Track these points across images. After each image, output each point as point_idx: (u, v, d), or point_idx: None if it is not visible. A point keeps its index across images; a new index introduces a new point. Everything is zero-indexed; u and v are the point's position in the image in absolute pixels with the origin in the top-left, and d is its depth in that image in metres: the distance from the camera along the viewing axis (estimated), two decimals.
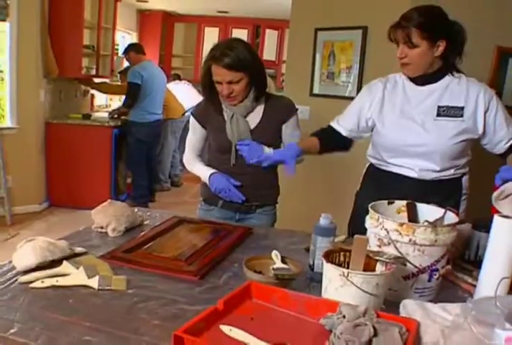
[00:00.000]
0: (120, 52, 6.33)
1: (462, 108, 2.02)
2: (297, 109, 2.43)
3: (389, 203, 1.68)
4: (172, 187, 6.93)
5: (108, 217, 1.96)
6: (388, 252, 1.41)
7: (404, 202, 1.69)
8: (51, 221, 5.30)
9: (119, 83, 6.66)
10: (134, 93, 5.63)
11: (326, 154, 2.30)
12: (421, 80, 2.07)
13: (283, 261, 1.57)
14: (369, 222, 1.52)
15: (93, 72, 6.35)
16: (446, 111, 2.02)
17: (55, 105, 5.83)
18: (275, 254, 1.59)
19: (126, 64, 5.93)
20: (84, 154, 5.60)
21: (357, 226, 2.12)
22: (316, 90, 4.31)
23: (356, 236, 1.41)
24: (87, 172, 5.63)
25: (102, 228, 1.97)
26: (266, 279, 1.44)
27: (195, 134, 2.44)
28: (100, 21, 6.24)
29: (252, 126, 2.32)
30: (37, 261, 1.52)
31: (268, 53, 8.57)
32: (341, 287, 1.29)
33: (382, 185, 2.19)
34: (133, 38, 8.51)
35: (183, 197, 6.52)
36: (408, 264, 1.43)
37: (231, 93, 2.20)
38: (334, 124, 2.29)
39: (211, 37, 8.36)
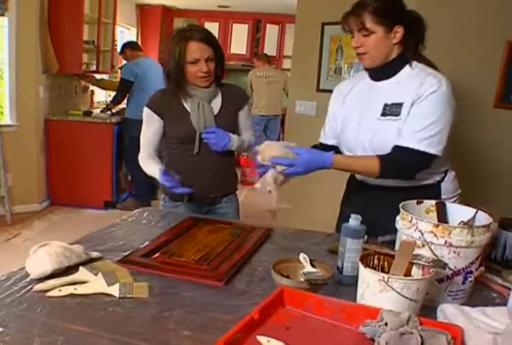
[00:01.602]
0: (119, 48, 6.25)
1: (401, 105, 1.83)
2: (249, 98, 2.51)
3: (418, 203, 1.61)
4: None
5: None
6: (425, 255, 1.34)
7: (433, 202, 1.62)
8: (52, 220, 5.23)
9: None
10: (123, 89, 5.63)
11: None
12: (377, 75, 1.93)
13: (312, 264, 1.50)
14: (401, 223, 1.45)
15: (94, 67, 6.27)
16: (389, 110, 1.86)
17: (55, 101, 5.74)
18: (304, 258, 1.51)
19: (124, 62, 5.87)
20: (85, 152, 5.51)
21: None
22: (323, 86, 4.24)
23: (402, 239, 1.34)
24: (88, 170, 5.54)
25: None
26: (297, 284, 1.37)
27: (151, 126, 2.37)
28: (100, 16, 6.16)
29: (215, 113, 2.34)
30: (53, 267, 1.43)
31: (269, 48, 8.48)
32: (380, 292, 1.22)
33: (360, 193, 2.10)
34: (132, 33, 8.43)
35: None
36: None
37: (209, 70, 2.24)
38: (321, 139, 2.21)
39: (211, 32, 8.24)
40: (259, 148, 1.83)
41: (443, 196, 1.98)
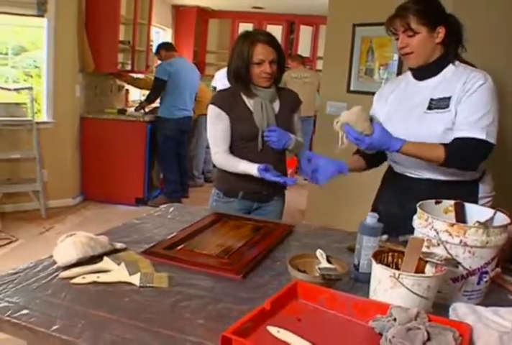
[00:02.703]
0: (154, 48, 6.35)
1: (449, 98, 1.91)
2: (302, 102, 2.61)
3: (436, 203, 1.62)
4: (205, 183, 6.91)
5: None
6: (439, 254, 1.36)
7: (452, 201, 1.63)
8: (85, 215, 5.34)
9: None
10: (157, 88, 5.70)
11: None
12: (421, 74, 2.01)
13: (328, 260, 1.53)
14: (418, 222, 1.47)
15: (129, 67, 6.37)
16: (436, 104, 1.93)
17: (91, 100, 5.86)
18: (320, 253, 1.54)
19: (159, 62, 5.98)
20: (119, 149, 5.61)
21: None
22: (353, 87, 4.27)
23: (411, 236, 1.36)
24: (121, 167, 5.64)
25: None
26: (312, 278, 1.40)
27: (222, 124, 2.43)
28: (136, 17, 6.27)
29: (275, 112, 2.46)
30: (78, 256, 1.50)
31: (303, 49, 8.48)
32: (391, 288, 1.25)
33: (396, 188, 2.14)
34: (167, 34, 8.53)
35: None
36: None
37: (272, 72, 2.35)
38: None
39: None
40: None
41: (479, 195, 2.03)
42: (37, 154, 5.01)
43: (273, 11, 8.36)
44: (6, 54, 5.44)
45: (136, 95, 7.45)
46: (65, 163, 5.45)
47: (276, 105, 2.48)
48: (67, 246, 1.53)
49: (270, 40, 2.35)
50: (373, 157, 2.18)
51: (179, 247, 1.73)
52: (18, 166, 5.13)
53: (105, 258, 1.52)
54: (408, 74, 2.09)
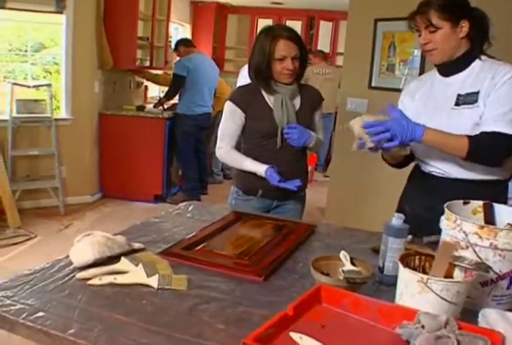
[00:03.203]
0: (173, 44, 6.34)
1: (477, 93, 1.84)
2: (324, 99, 2.56)
3: (464, 203, 1.57)
4: (224, 180, 6.88)
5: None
6: (468, 257, 1.30)
7: (480, 202, 1.57)
8: (103, 212, 5.34)
9: None
10: (176, 84, 5.67)
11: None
12: (447, 70, 1.95)
13: (352, 262, 1.48)
14: (445, 223, 1.41)
15: (147, 63, 6.36)
16: (463, 99, 1.87)
17: (109, 96, 5.86)
18: (344, 255, 1.49)
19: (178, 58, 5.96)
20: (137, 146, 5.60)
21: None
22: (375, 83, 4.20)
23: (443, 240, 1.31)
24: (140, 164, 5.63)
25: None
26: (336, 282, 1.35)
27: (235, 121, 2.41)
28: (154, 13, 6.24)
29: (296, 109, 2.40)
30: (95, 257, 1.46)
31: (322, 45, 8.41)
32: (419, 293, 1.20)
33: (423, 188, 2.07)
34: (186, 30, 8.51)
35: None
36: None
37: (294, 68, 2.30)
38: None
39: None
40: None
41: (509, 195, 1.97)
42: (55, 151, 5.03)
43: (293, 6, 8.29)
44: (26, 51, 5.45)
45: (155, 91, 7.44)
46: (83, 160, 5.46)
47: (297, 102, 2.42)
48: (83, 246, 1.49)
49: (293, 36, 2.30)
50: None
51: (198, 247, 1.69)
52: (37, 163, 5.15)
53: (122, 258, 1.48)
54: (435, 71, 2.03)
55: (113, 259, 1.50)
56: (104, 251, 1.49)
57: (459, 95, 1.89)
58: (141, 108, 5.88)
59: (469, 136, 1.81)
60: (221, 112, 6.29)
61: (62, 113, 5.30)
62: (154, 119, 5.63)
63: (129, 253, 1.57)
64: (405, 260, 1.32)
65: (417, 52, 3.82)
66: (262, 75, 2.34)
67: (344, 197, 4.62)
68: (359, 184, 4.46)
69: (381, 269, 1.52)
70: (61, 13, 4.96)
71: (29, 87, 4.95)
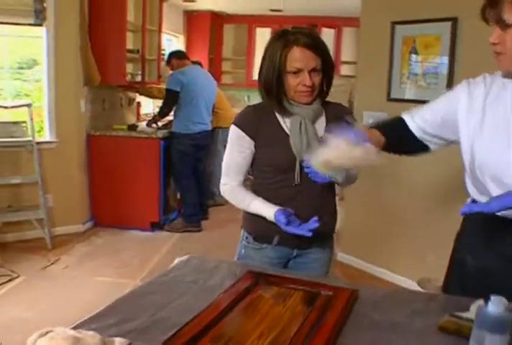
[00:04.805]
0: (166, 57, 5.92)
1: None
2: (356, 120, 2.01)
3: None
4: (226, 202, 6.38)
5: None
6: None
7: None
8: (95, 243, 4.85)
9: None
10: (169, 100, 5.26)
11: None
12: None
13: None
14: None
15: (139, 78, 5.94)
16: None
17: (98, 115, 5.41)
18: None
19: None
20: (130, 169, 5.15)
21: (455, 286, 1.66)
22: (394, 94, 3.75)
23: None
24: (134, 189, 5.18)
25: None
26: None
27: (242, 150, 1.92)
28: (144, 23, 5.85)
29: (320, 135, 1.89)
30: None
31: None
32: None
33: (491, 231, 1.56)
34: (180, 41, 8.10)
35: (239, 212, 5.97)
36: None
37: (313, 84, 1.82)
38: (405, 116, 1.75)
39: (263, 38, 7.81)
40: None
41: None
42: (39, 178, 4.56)
43: (293, 13, 7.85)
44: (22, 68, 5.05)
45: (149, 108, 7.01)
46: (71, 186, 5.00)
47: (320, 125, 1.93)
48: None
49: (311, 42, 1.79)
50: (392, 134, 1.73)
51: (206, 337, 1.18)
52: (19, 191, 4.70)
53: None
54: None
55: None
56: None
57: None
58: (133, 127, 5.41)
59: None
60: (217, 128, 5.89)
61: (46, 135, 4.85)
62: (148, 139, 5.17)
63: None
64: None
65: (445, 59, 3.35)
66: (273, 92, 1.85)
67: (361, 222, 4.13)
68: (381, 208, 3.97)
69: None
70: (41, 25, 4.52)
71: (5, 107, 4.47)
